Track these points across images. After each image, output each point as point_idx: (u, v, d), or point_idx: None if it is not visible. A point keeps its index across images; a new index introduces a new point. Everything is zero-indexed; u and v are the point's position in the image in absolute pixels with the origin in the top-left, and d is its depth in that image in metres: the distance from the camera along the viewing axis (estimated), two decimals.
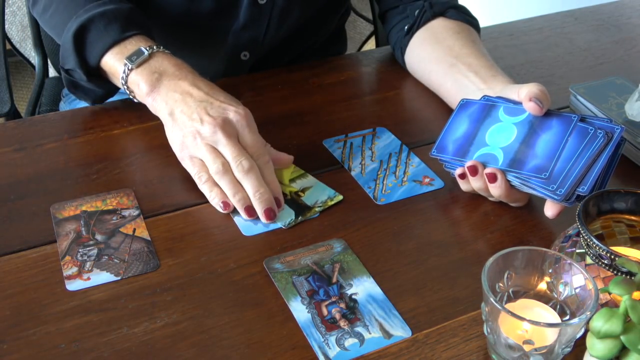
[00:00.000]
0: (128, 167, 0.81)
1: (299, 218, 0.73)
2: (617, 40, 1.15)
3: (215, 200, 0.74)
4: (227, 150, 0.74)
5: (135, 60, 0.81)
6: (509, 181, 0.73)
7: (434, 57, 0.95)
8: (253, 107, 0.92)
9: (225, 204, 0.74)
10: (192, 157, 0.75)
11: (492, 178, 0.73)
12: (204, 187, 0.75)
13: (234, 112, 0.75)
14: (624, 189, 0.64)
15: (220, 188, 0.74)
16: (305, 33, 1.08)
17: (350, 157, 0.84)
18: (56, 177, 0.79)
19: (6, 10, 1.27)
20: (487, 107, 0.79)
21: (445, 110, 0.93)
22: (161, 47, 0.82)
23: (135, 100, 0.84)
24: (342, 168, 0.82)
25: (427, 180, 0.80)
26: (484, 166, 0.74)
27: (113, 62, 0.83)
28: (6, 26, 1.28)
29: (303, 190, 0.78)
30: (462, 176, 0.76)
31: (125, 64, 0.81)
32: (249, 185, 0.73)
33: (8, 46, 1.27)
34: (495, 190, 0.74)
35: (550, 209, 0.72)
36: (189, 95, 0.77)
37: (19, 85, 2.36)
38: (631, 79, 0.96)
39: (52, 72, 1.35)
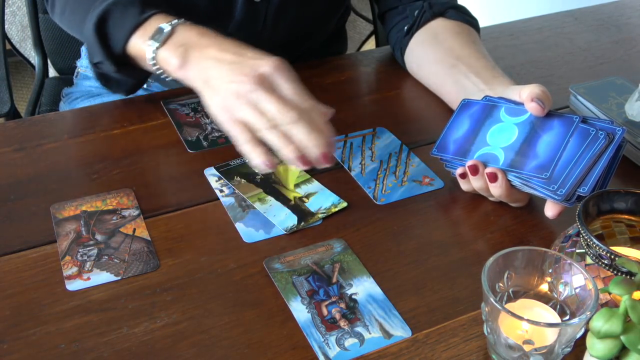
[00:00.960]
0: (128, 167, 0.81)
1: (302, 224, 0.73)
2: (617, 40, 1.15)
3: (257, 160, 0.72)
4: (270, 105, 0.72)
5: (159, 38, 0.80)
6: (509, 181, 0.73)
7: (434, 58, 0.95)
8: None
9: (270, 162, 0.71)
10: (234, 119, 0.73)
11: (493, 178, 0.73)
12: (246, 148, 0.72)
13: (266, 65, 0.74)
14: (624, 189, 0.64)
15: (262, 148, 0.72)
16: (304, 33, 1.08)
17: (350, 157, 0.84)
18: (56, 177, 0.79)
19: (6, 10, 1.27)
20: (489, 108, 0.79)
21: (445, 111, 0.93)
22: (182, 20, 0.82)
23: (168, 79, 0.83)
24: (343, 168, 0.82)
25: (427, 180, 0.80)
26: (485, 166, 0.74)
27: (139, 46, 0.82)
28: (6, 26, 1.28)
29: (307, 196, 0.77)
30: (463, 176, 0.76)
31: (150, 45, 0.80)
32: (300, 134, 0.71)
33: (8, 46, 1.27)
34: (496, 190, 0.74)
35: (550, 210, 0.72)
36: (219, 60, 0.76)
37: (19, 85, 2.36)
38: (631, 79, 0.96)
39: (52, 72, 1.35)
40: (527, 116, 0.76)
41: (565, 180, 0.70)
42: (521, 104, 0.77)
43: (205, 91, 0.76)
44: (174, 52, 0.79)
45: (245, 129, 0.72)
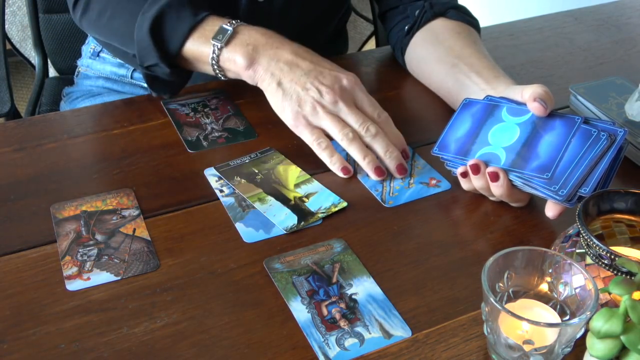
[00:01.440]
0: (128, 167, 0.81)
1: (302, 224, 0.73)
2: (617, 40, 1.15)
3: (336, 166, 0.79)
4: (352, 118, 0.78)
5: (222, 38, 0.82)
6: (510, 181, 0.73)
7: (435, 58, 0.95)
8: (254, 107, 0.93)
9: (346, 169, 0.79)
10: (312, 126, 0.79)
11: (494, 177, 0.73)
12: (324, 154, 0.79)
13: (346, 79, 0.79)
14: (624, 189, 0.64)
15: (339, 155, 0.79)
16: (307, 34, 1.08)
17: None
18: (56, 177, 0.79)
19: (6, 10, 1.27)
20: (490, 107, 0.79)
21: (446, 110, 0.93)
22: (239, 21, 0.84)
23: (224, 78, 0.85)
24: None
25: (433, 182, 0.80)
26: (486, 165, 0.74)
27: (197, 47, 0.83)
28: (6, 26, 1.28)
29: (307, 196, 0.77)
30: (464, 175, 0.76)
31: (214, 45, 0.82)
32: (379, 147, 0.78)
33: (8, 46, 1.27)
34: (497, 190, 0.74)
35: (551, 210, 0.72)
36: (295, 65, 0.79)
37: (19, 85, 2.36)
38: (631, 79, 0.96)
39: (52, 72, 1.35)
40: (529, 116, 0.76)
41: (567, 180, 0.70)
42: (523, 104, 0.77)
43: (278, 94, 0.80)
44: (242, 51, 0.81)
45: (322, 136, 0.79)
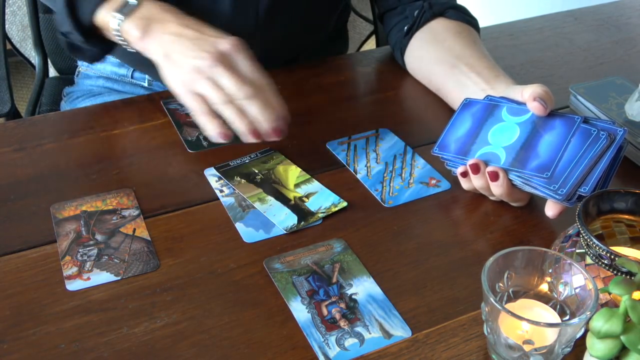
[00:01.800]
0: (128, 167, 0.81)
1: (302, 223, 0.73)
2: (617, 40, 1.15)
3: (213, 131, 0.77)
4: (229, 81, 0.77)
5: (125, 11, 0.84)
6: (510, 180, 0.73)
7: (434, 58, 0.95)
8: None
9: (224, 134, 0.77)
10: (193, 92, 0.78)
11: (494, 176, 0.73)
12: (202, 119, 0.78)
13: (226, 44, 0.78)
14: (624, 189, 0.64)
15: (218, 120, 0.77)
16: (302, 31, 1.08)
17: (355, 159, 0.84)
18: (56, 177, 0.79)
19: (6, 10, 1.27)
20: (490, 107, 0.79)
21: (446, 111, 0.93)
22: None
23: (129, 49, 0.86)
24: (343, 168, 0.82)
25: (433, 181, 0.80)
26: (486, 164, 0.74)
27: (104, 17, 0.85)
28: (6, 26, 1.28)
29: (307, 196, 0.77)
30: (464, 174, 0.76)
31: (115, 16, 0.84)
32: (255, 110, 0.77)
33: (8, 46, 1.27)
34: (497, 189, 0.74)
35: (551, 209, 0.72)
36: (180, 35, 0.81)
37: (19, 85, 2.36)
38: (631, 79, 0.96)
39: (52, 72, 1.35)
40: (528, 116, 0.76)
41: (567, 180, 0.70)
42: (523, 103, 0.77)
43: (165, 64, 0.81)
44: (137, 23, 0.83)
45: (203, 102, 0.77)
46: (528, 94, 0.75)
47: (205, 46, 0.78)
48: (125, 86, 1.10)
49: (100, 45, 0.90)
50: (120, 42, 0.86)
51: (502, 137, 0.76)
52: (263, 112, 0.77)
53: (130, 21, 0.83)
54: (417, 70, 1.00)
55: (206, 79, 0.77)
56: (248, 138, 0.77)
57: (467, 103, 0.81)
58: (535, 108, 0.75)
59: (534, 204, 0.77)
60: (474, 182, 0.75)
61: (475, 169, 0.74)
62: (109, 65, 1.10)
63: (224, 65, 0.77)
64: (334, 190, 0.78)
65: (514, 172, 0.73)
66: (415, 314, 0.64)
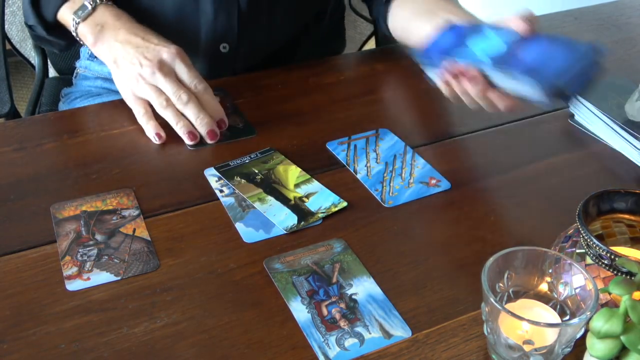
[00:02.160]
0: (128, 167, 0.81)
1: (302, 223, 0.73)
2: (617, 40, 1.15)
3: (151, 132, 0.85)
4: (167, 87, 0.84)
5: (81, 14, 0.90)
6: (487, 79, 0.76)
7: (414, 13, 0.97)
8: (253, 106, 0.93)
9: (159, 135, 0.85)
10: (137, 97, 0.86)
11: (472, 78, 0.77)
12: (142, 120, 0.86)
13: (167, 52, 0.85)
14: (624, 189, 0.64)
15: (155, 122, 0.85)
16: (289, 25, 1.07)
17: (355, 159, 0.84)
18: (56, 177, 0.79)
19: (6, 11, 1.27)
20: (475, 27, 0.81)
21: (446, 111, 0.93)
22: (104, 0, 0.91)
23: (88, 51, 0.95)
24: (343, 168, 0.82)
25: (433, 181, 0.80)
26: (467, 67, 0.77)
27: (65, 17, 0.92)
28: (6, 26, 1.28)
29: (307, 196, 0.77)
30: (445, 78, 0.79)
31: (73, 19, 0.90)
32: (190, 114, 0.84)
33: (8, 46, 1.27)
34: (474, 89, 0.77)
35: (504, 101, 0.78)
36: (127, 42, 0.87)
37: (18, 85, 2.36)
38: (631, 79, 0.96)
39: (52, 72, 1.35)
40: (512, 33, 0.77)
41: (549, 75, 0.72)
42: (507, 27, 0.78)
43: (114, 70, 0.88)
44: (91, 29, 0.89)
45: (145, 105, 0.86)
46: (513, 17, 0.78)
47: (148, 54, 0.85)
48: None
49: (64, 38, 0.96)
50: (80, 41, 0.92)
51: (487, 49, 0.77)
52: (197, 117, 0.84)
53: (85, 25, 0.90)
54: (401, 32, 1.01)
55: (148, 85, 0.84)
56: (186, 140, 0.84)
57: (452, 26, 0.83)
58: (518, 25, 0.77)
59: (534, 204, 0.77)
60: (454, 86, 0.79)
61: (455, 71, 0.78)
62: (107, 67, 1.10)
63: (165, 73, 0.84)
64: (334, 190, 0.78)
65: (499, 70, 0.74)
66: (415, 314, 0.64)
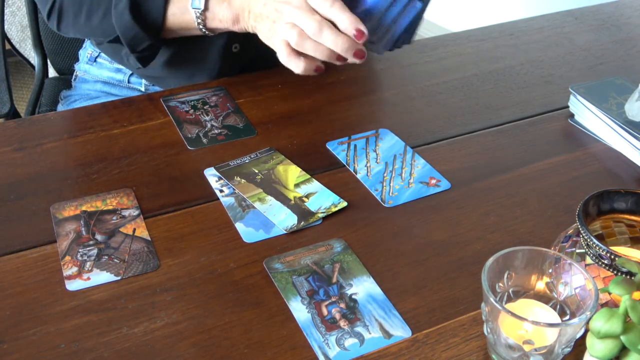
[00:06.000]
0: (128, 167, 0.81)
1: (302, 223, 0.73)
2: (617, 40, 1.15)
3: (297, 70, 0.81)
4: (300, 20, 0.78)
5: (199, 2, 0.87)
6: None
7: None
8: (253, 106, 0.93)
9: (318, 68, 0.82)
10: (278, 40, 0.80)
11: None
12: (284, 60, 0.81)
13: None
14: (624, 189, 0.64)
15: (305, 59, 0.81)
16: None
17: (355, 159, 0.84)
18: (56, 177, 0.79)
19: (6, 11, 1.27)
20: None
21: (445, 111, 0.93)
22: None
23: (211, 34, 0.91)
24: (343, 168, 0.82)
25: (433, 181, 0.80)
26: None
27: (179, 17, 0.89)
28: (6, 26, 1.28)
29: (307, 196, 0.77)
30: None
31: (194, 11, 0.87)
32: (328, 42, 0.78)
33: (8, 46, 1.27)
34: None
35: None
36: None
37: (18, 85, 2.36)
38: (631, 79, 0.96)
39: (51, 72, 1.35)
40: None
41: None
42: None
43: (261, 32, 0.84)
44: (221, 8, 0.86)
45: (287, 45, 0.80)
46: None
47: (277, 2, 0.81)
48: (122, 90, 1.10)
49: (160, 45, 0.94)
50: (206, 33, 0.90)
51: None
52: (336, 45, 0.78)
53: (212, 10, 0.87)
54: None
55: (285, 25, 0.79)
56: (336, 62, 0.81)
57: None
58: None
59: (534, 204, 0.77)
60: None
61: None
62: (106, 71, 1.10)
63: (296, 3, 0.79)
64: (334, 190, 0.78)
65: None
66: (415, 314, 0.64)
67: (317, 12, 0.79)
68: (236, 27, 0.88)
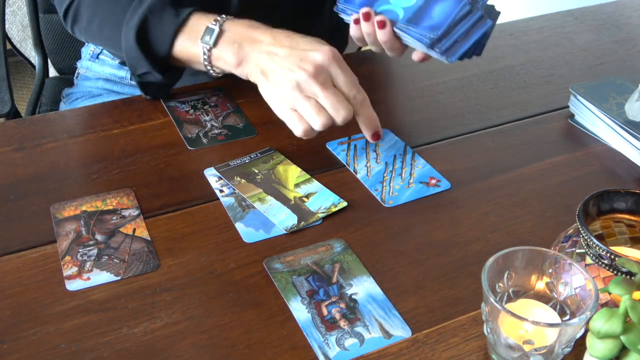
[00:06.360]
0: (128, 167, 0.81)
1: (302, 223, 0.73)
2: (617, 40, 1.15)
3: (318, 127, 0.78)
4: (326, 101, 0.76)
5: (210, 39, 0.83)
6: (395, 32, 0.82)
7: None
8: (253, 106, 0.93)
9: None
10: (292, 109, 0.78)
11: (381, 25, 0.82)
12: (299, 135, 0.79)
13: (322, 55, 0.78)
14: (624, 189, 0.64)
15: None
16: (300, 30, 1.07)
17: (355, 159, 0.84)
18: (56, 177, 0.79)
19: (7, 10, 1.27)
20: None
21: (445, 111, 0.93)
22: (223, 16, 0.85)
23: (216, 75, 0.87)
24: (343, 168, 0.82)
25: (433, 181, 0.80)
26: (376, 14, 0.82)
27: (187, 49, 0.85)
28: (6, 26, 1.28)
29: (307, 196, 0.77)
30: (357, 22, 0.83)
31: (203, 46, 0.83)
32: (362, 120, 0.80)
33: (8, 46, 1.27)
34: (382, 36, 0.82)
35: (416, 55, 0.85)
36: (273, 54, 0.80)
37: (19, 85, 2.36)
38: (631, 79, 0.96)
39: (52, 72, 1.35)
40: None
41: (449, 38, 0.80)
42: None
43: (263, 83, 0.80)
44: (229, 50, 0.82)
45: (302, 120, 0.77)
46: None
47: (302, 63, 0.77)
48: (124, 87, 1.10)
49: (175, 76, 0.91)
50: (209, 69, 0.86)
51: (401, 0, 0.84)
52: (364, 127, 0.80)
53: (220, 49, 0.83)
54: None
55: (306, 99, 0.77)
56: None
57: None
58: None
59: (534, 204, 0.77)
60: (363, 29, 0.83)
61: (367, 16, 0.82)
62: (108, 68, 1.10)
63: (319, 81, 0.76)
64: (334, 190, 0.78)
65: (408, 30, 0.81)
66: (415, 314, 0.64)
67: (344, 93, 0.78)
68: (238, 70, 0.84)
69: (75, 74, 1.17)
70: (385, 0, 0.84)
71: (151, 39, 0.85)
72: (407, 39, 0.83)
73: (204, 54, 0.84)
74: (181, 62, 0.88)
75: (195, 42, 0.84)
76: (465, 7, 0.80)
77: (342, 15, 0.88)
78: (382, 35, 0.82)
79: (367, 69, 1.06)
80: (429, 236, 0.73)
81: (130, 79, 1.09)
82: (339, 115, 0.76)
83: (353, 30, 0.85)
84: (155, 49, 0.85)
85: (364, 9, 0.83)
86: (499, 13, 0.85)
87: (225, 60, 0.83)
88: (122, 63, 1.09)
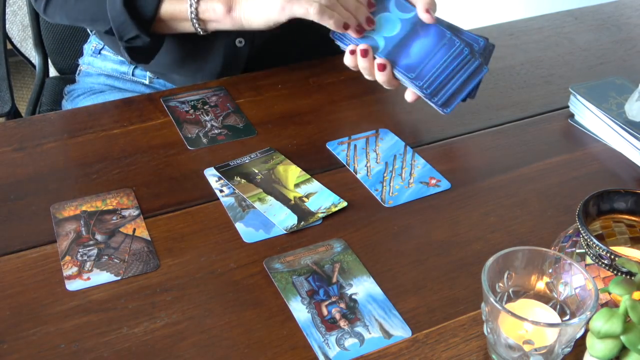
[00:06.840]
0: (128, 167, 0.81)
1: (302, 223, 0.73)
2: (617, 40, 1.15)
3: (333, 25, 0.84)
4: None
5: None
6: (396, 77, 0.85)
7: None
8: (253, 106, 0.93)
9: (345, 26, 0.84)
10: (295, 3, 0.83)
11: (382, 67, 0.84)
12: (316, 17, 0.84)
13: None
14: (624, 189, 0.64)
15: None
16: (299, 30, 1.07)
17: (355, 159, 0.84)
18: (56, 177, 0.79)
19: (7, 10, 1.27)
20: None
21: None
22: None
23: (203, 32, 0.90)
24: (343, 168, 0.82)
25: (433, 181, 0.80)
26: (374, 54, 0.84)
27: (173, 6, 0.88)
28: (7, 26, 1.28)
29: (307, 196, 0.77)
30: (352, 52, 0.85)
31: (190, 3, 0.86)
32: (343, 11, 0.84)
33: (9, 46, 1.27)
34: (381, 77, 0.84)
35: (409, 96, 0.86)
36: None
37: (19, 85, 2.36)
38: (631, 79, 0.96)
39: (52, 72, 1.35)
40: (412, 15, 0.85)
41: (433, 81, 0.83)
42: (411, 4, 0.86)
43: (255, 5, 0.84)
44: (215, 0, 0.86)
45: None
46: (421, 4, 0.84)
47: None
48: (127, 83, 1.10)
49: (159, 42, 0.93)
50: (197, 26, 0.88)
51: (384, 27, 0.85)
52: (356, 6, 0.84)
53: (205, 1, 0.86)
54: None
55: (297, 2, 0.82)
56: (338, 29, 0.85)
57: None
58: (425, 18, 0.84)
59: (534, 204, 0.77)
60: (360, 63, 0.85)
61: (364, 53, 0.84)
62: (110, 63, 1.10)
63: None
64: (334, 190, 0.78)
65: (406, 78, 0.83)
66: (415, 314, 0.64)
67: None
68: (228, 19, 0.87)
69: (77, 71, 1.17)
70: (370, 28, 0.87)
71: (137, 2, 0.87)
72: (405, 82, 0.85)
73: (191, 6, 0.87)
74: (166, 24, 0.90)
75: (179, 2, 0.87)
76: (462, 53, 0.82)
77: (338, 43, 0.88)
78: (381, 76, 0.85)
79: None
80: (429, 236, 0.73)
81: (133, 74, 1.09)
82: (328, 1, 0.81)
83: (347, 60, 0.87)
84: (142, 11, 0.88)
85: (362, 46, 0.84)
86: (493, 46, 0.87)
87: (214, 9, 0.86)
88: (122, 60, 1.09)
